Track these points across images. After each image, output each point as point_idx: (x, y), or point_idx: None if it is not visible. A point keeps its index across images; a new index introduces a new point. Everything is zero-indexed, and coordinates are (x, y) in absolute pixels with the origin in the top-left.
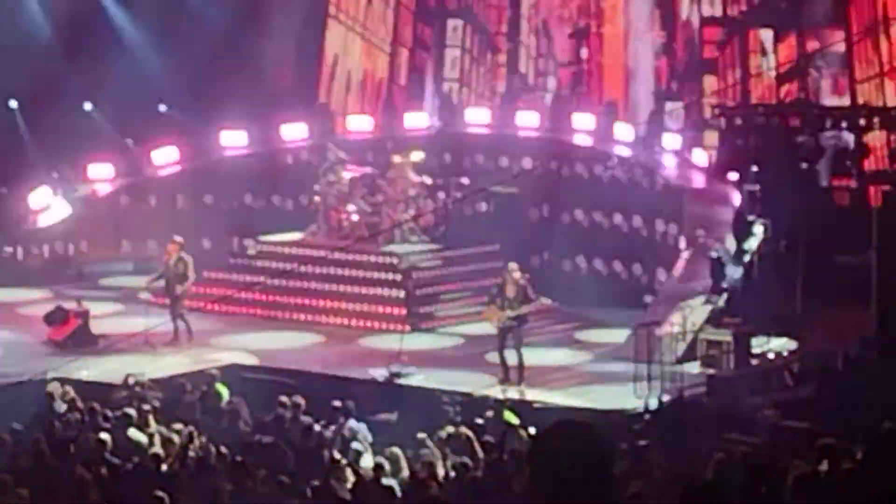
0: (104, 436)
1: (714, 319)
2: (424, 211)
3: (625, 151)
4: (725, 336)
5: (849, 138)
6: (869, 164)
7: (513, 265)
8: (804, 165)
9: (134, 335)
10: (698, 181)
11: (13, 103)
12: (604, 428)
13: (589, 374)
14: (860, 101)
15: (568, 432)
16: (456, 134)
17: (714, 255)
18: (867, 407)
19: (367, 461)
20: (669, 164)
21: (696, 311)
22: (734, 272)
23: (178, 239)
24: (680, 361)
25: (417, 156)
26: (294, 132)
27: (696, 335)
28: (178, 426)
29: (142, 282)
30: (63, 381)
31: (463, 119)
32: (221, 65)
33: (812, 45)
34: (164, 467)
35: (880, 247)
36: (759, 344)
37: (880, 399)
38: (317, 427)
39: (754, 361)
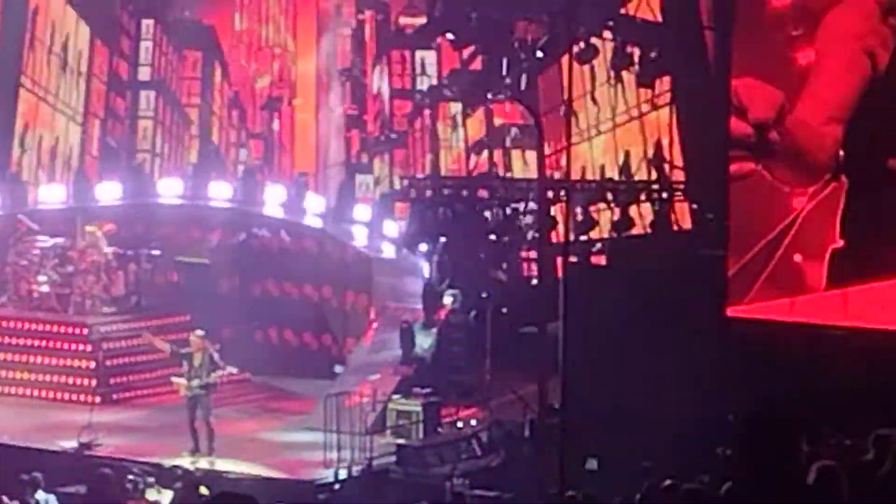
0: None
1: (403, 389)
2: (115, 281)
3: (316, 223)
4: (415, 406)
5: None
6: (556, 236)
7: (198, 334)
8: (493, 237)
9: None
10: (388, 252)
11: None
12: (292, 498)
13: (279, 444)
14: (547, 173)
15: None
16: (148, 205)
17: (403, 325)
18: (552, 474)
19: None
20: (360, 236)
21: (386, 381)
22: (424, 342)
23: None
24: (370, 431)
25: (109, 227)
26: None
27: (385, 405)
28: None
29: None
30: None
31: (155, 190)
32: None
33: (500, 118)
34: None
35: (566, 317)
36: (448, 414)
37: (566, 466)
38: (5, 499)
39: (444, 431)
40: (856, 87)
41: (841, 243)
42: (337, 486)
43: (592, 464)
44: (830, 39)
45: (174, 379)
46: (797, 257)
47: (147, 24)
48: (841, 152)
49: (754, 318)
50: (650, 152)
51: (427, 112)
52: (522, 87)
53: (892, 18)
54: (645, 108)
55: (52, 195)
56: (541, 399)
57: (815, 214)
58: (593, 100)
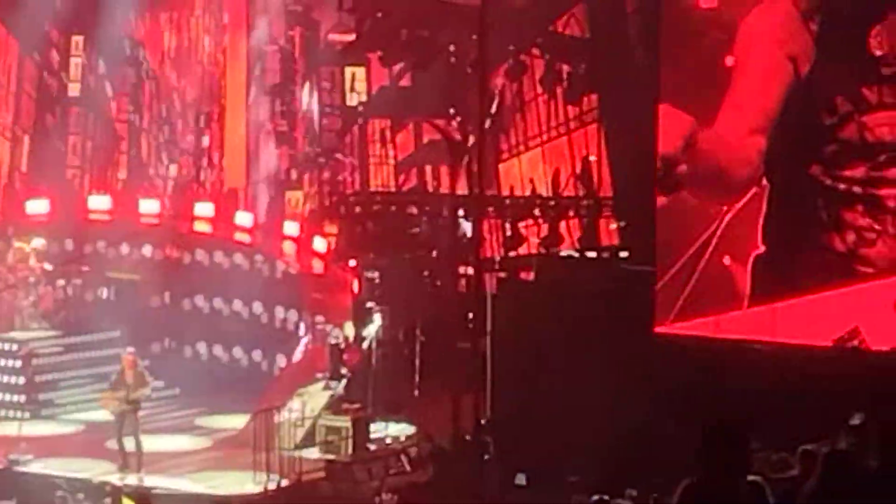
0: None
1: (333, 405)
2: (45, 297)
3: (246, 238)
4: (344, 422)
5: (466, 226)
6: (484, 252)
7: (129, 351)
8: (422, 252)
9: None
10: (318, 268)
11: None
12: None
13: (209, 460)
14: (476, 189)
15: None
16: (77, 220)
17: (333, 341)
18: (484, 490)
19: None
20: (290, 252)
21: (316, 397)
22: (353, 358)
23: None
24: (299, 447)
25: (38, 242)
26: None
27: (315, 421)
28: None
29: None
30: None
31: (85, 205)
32: None
33: (429, 135)
34: None
35: (494, 333)
36: (377, 429)
37: (498, 482)
38: None
39: (373, 447)
40: (779, 95)
41: (763, 249)
42: (266, 502)
43: (521, 479)
44: (751, 46)
45: (104, 395)
46: (726, 260)
47: (77, 40)
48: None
49: (681, 335)
50: (578, 169)
51: (356, 128)
52: (451, 103)
53: (812, 24)
54: (573, 124)
55: None
56: (471, 414)
57: (739, 220)
58: (522, 116)
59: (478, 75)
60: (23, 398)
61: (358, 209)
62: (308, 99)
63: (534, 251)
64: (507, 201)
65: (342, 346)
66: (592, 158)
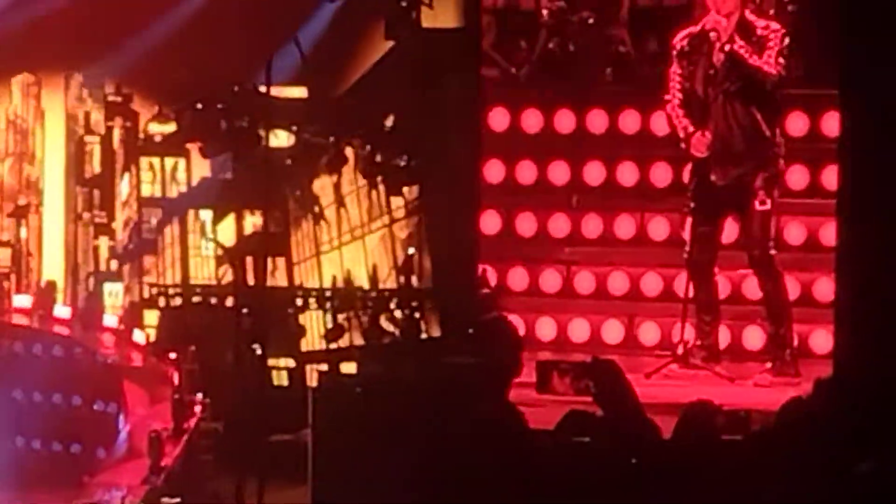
0: None
1: (152, 499)
2: None
3: (65, 331)
4: None
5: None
6: (306, 344)
7: None
8: (243, 344)
9: None
10: (137, 360)
11: None
12: None
13: None
14: (297, 282)
15: None
16: None
17: (152, 434)
18: None
19: None
20: (109, 344)
21: (134, 491)
22: (173, 451)
23: None
24: None
25: None
26: None
27: None
28: None
29: None
30: None
31: None
32: None
33: (256, 224)
34: None
35: (315, 425)
36: None
37: None
38: None
39: None
40: None
41: None
42: None
43: None
44: None
45: None
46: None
47: None
48: None
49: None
50: (399, 260)
51: (177, 219)
52: (269, 194)
53: None
54: (395, 215)
55: None
56: None
57: None
58: (343, 207)
59: (300, 166)
60: None
61: (178, 301)
62: (128, 190)
63: (355, 343)
64: (328, 293)
65: (162, 438)
66: (413, 249)
